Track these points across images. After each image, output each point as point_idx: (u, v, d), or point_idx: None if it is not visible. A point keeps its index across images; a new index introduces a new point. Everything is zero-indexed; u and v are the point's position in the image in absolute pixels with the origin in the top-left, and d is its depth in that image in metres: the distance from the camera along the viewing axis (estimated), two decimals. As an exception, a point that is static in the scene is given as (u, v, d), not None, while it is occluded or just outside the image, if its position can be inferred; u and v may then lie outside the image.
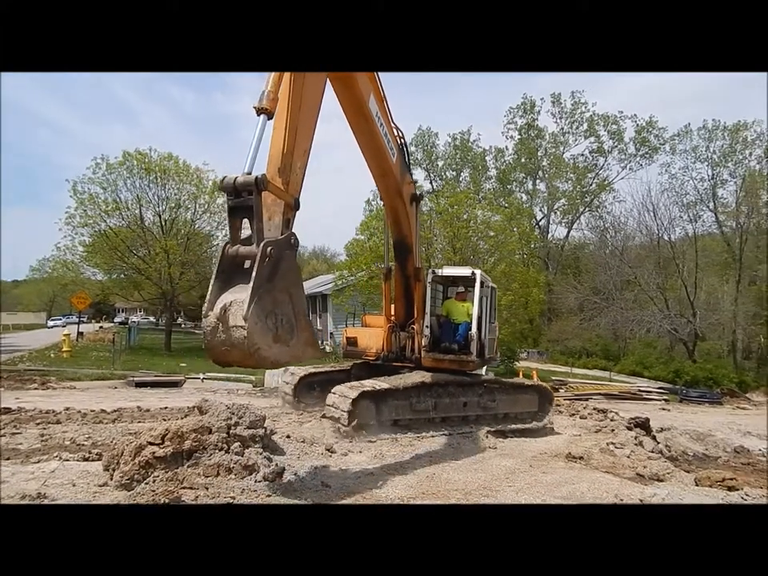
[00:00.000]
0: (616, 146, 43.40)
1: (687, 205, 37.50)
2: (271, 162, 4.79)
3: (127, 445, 4.91)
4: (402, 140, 7.77)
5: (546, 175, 45.34)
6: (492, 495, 5.02)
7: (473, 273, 8.63)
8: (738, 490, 5.35)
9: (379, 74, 6.70)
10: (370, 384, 7.29)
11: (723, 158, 36.80)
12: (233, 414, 5.34)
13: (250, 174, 4.20)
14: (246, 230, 4.40)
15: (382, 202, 8.51)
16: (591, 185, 44.31)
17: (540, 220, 45.96)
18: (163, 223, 27.74)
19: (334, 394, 7.19)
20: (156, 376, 15.80)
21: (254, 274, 4.05)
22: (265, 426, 5.72)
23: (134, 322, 49.71)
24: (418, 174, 40.29)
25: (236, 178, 4.19)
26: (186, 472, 4.62)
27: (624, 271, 36.53)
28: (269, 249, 4.17)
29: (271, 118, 4.54)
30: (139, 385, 14.04)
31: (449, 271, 9.19)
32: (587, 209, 44.55)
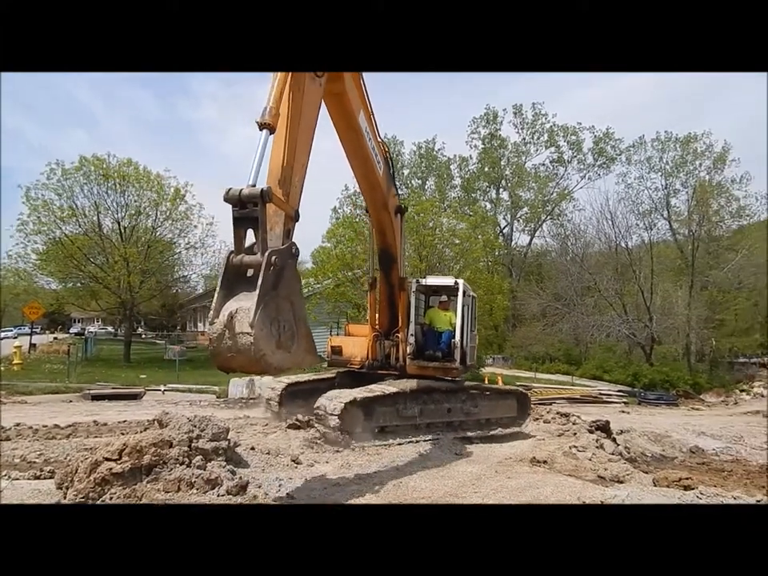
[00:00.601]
0: (575, 157, 44.80)
1: (643, 213, 39.04)
2: (271, 175, 4.91)
3: (82, 461, 4.69)
4: (388, 153, 8.03)
5: (509, 184, 46.25)
6: (458, 502, 5.04)
7: (456, 282, 8.89)
8: (693, 489, 5.53)
9: (367, 90, 6.90)
10: (359, 392, 7.40)
11: (675, 168, 38.46)
12: (194, 426, 5.19)
13: (254, 186, 4.33)
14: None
15: (368, 214, 8.75)
16: (552, 194, 45.49)
17: (504, 228, 46.84)
18: (122, 230, 26.88)
19: (322, 401, 7.20)
20: (114, 388, 15.26)
21: (259, 282, 4.16)
22: (228, 438, 5.58)
23: (91, 332, 47.97)
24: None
25: (241, 189, 4.31)
26: (146, 488, 4.46)
27: (584, 277, 37.59)
28: (273, 258, 4.29)
29: (273, 133, 4.71)
30: (96, 398, 13.51)
31: (432, 281, 9.45)
32: (549, 217, 45.67)
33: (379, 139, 7.57)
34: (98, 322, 61.20)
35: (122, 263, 25.29)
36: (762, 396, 29.56)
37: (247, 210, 4.34)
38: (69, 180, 25.37)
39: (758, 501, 5.11)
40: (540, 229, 46.37)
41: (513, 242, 47.19)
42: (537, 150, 45.66)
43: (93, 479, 4.48)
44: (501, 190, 47.10)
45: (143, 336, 50.99)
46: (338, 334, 11.43)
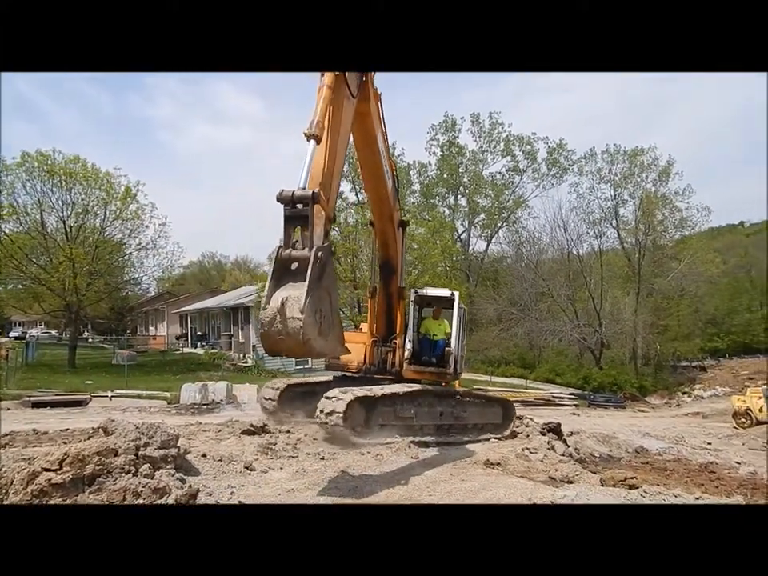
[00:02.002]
0: (530, 166, 45.94)
1: (593, 222, 40.63)
2: (313, 180, 5.28)
3: (18, 472, 4.43)
4: (395, 171, 8.66)
5: (467, 191, 46.98)
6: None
7: (452, 294, 9.59)
8: (637, 488, 5.73)
9: (384, 112, 7.56)
10: (364, 390, 7.63)
11: (623, 179, 40.13)
12: (142, 433, 5.00)
13: (304, 188, 4.93)
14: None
15: (373, 227, 9.26)
16: (508, 201, 46.46)
17: (461, 234, 47.54)
18: (68, 230, 25.65)
19: (327, 398, 7.30)
20: (57, 395, 14.55)
21: (308, 273, 4.65)
22: (178, 445, 5.41)
23: (33, 336, 45.46)
24: (344, 186, 40.39)
25: (293, 191, 4.89)
26: (88, 499, 4.26)
27: (538, 283, 38.71)
28: (320, 253, 4.80)
29: (319, 143, 5.25)
30: (37, 405, 12.86)
31: (430, 292, 10.14)
32: (504, 224, 46.67)
33: (391, 157, 8.22)
34: (40, 325, 58.17)
35: (68, 264, 24.12)
36: (702, 398, 31.19)
37: (297, 209, 4.90)
38: (10, 176, 24.12)
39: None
40: (496, 235, 47.37)
41: (470, 248, 47.97)
42: (493, 159, 46.58)
43: (30, 491, 4.25)
44: (459, 196, 47.81)
45: (90, 340, 48.90)
46: None
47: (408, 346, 8.96)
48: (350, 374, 9.23)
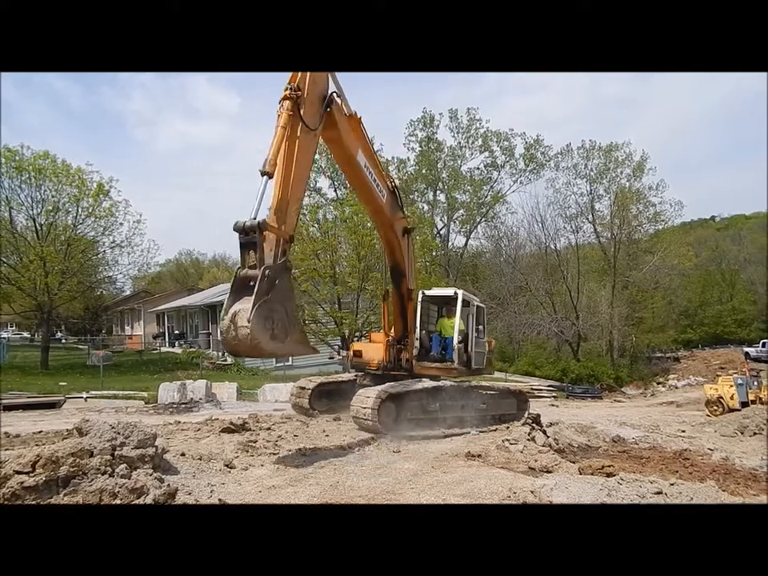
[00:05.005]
0: (508, 161, 46.21)
1: (570, 217, 41.10)
2: (272, 208, 6.18)
3: (-12, 476, 4.31)
4: (393, 183, 9.26)
5: (446, 186, 47.09)
6: (395, 499, 5.06)
7: (455, 292, 10.27)
8: (614, 475, 5.83)
9: (366, 130, 8.13)
10: (391, 388, 8.41)
11: (599, 175, 40.64)
12: (118, 433, 4.91)
13: (254, 219, 5.74)
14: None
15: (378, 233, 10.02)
16: (486, 197, 46.71)
17: (440, 229, 47.65)
18: (38, 228, 24.94)
19: (360, 397, 8.23)
20: (29, 397, 14.15)
21: (255, 289, 5.56)
22: (156, 444, 5.32)
23: (4, 338, 44.22)
24: (322, 183, 40.14)
25: (245, 222, 5.75)
26: (62, 501, 4.16)
27: (517, 278, 39.11)
28: (267, 271, 5.70)
29: (271, 178, 6.05)
30: (8, 408, 12.47)
31: (435, 291, 10.95)
32: (483, 219, 46.95)
33: (384, 172, 8.82)
34: (11, 326, 56.67)
35: (39, 263, 23.43)
36: (676, 387, 31.96)
37: (249, 236, 5.75)
38: (-25, 173, 23.31)
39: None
40: (475, 230, 47.55)
41: (449, 243, 48.14)
42: (472, 154, 46.74)
43: (1, 495, 4.13)
44: (438, 192, 47.92)
45: (63, 341, 47.78)
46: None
47: (416, 343, 9.66)
48: (370, 372, 9.95)
